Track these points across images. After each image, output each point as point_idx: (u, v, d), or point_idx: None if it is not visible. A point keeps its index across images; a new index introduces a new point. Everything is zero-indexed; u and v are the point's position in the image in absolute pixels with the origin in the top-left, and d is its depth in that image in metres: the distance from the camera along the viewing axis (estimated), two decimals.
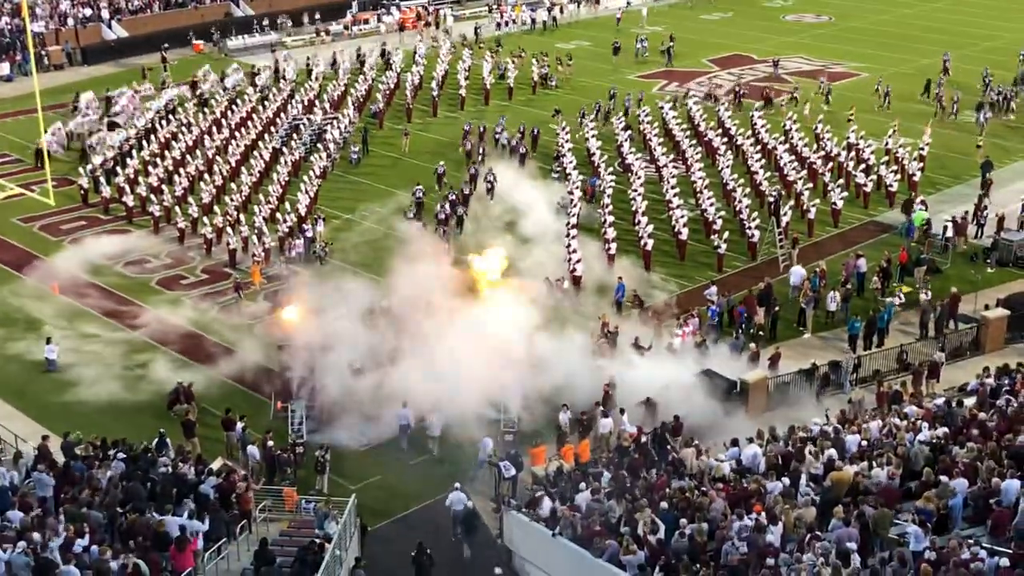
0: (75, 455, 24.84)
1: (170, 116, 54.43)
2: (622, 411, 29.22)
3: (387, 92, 57.83)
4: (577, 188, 44.25)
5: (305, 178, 45.68)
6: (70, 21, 69.02)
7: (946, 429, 24.30)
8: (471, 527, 25.75)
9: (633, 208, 42.78)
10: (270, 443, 28.20)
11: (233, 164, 47.83)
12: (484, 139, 51.42)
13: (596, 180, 44.77)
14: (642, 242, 39.89)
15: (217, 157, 48.46)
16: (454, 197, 43.75)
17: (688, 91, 58.90)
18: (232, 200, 43.65)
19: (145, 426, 28.81)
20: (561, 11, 79.41)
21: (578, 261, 38.07)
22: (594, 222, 41.72)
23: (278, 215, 42.47)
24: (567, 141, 49.05)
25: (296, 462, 28.24)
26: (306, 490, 26.88)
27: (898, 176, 45.54)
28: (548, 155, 49.78)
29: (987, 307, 35.18)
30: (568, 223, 40.95)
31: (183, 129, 52.20)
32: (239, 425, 28.91)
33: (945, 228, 40.86)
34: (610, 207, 42.15)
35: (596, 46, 69.53)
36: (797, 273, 37.99)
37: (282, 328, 33.41)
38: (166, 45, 66.35)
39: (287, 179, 46.23)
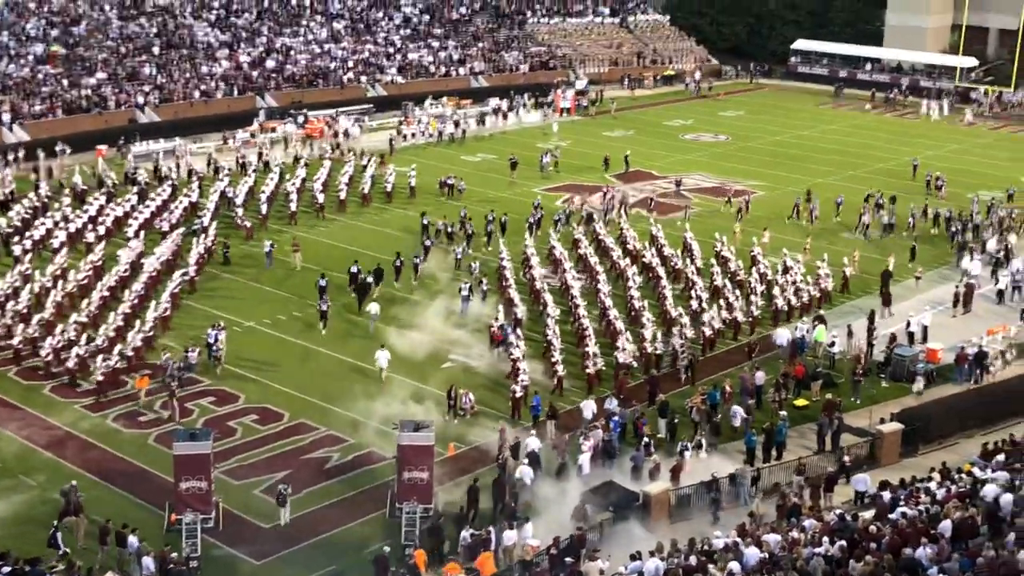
0: None
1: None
2: (526, 519, 29.09)
3: (268, 197, 58.27)
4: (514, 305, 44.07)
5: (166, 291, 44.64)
6: None
7: (843, 543, 24.53)
8: None
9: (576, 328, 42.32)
10: (173, 554, 27.41)
11: (90, 275, 46.33)
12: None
13: (508, 329, 41.86)
14: (589, 364, 39.14)
15: (71, 270, 46.93)
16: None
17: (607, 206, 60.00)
18: (82, 312, 42.07)
19: (32, 538, 27.79)
20: (479, 123, 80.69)
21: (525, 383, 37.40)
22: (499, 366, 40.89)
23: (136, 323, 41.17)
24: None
25: None
26: None
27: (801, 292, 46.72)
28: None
29: (882, 421, 35.89)
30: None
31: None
32: (132, 538, 28.06)
33: (833, 343, 41.82)
34: (555, 330, 41.19)
35: (501, 159, 70.58)
36: (783, 335, 41.40)
37: None
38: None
39: (144, 291, 44.63)
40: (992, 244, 53.24)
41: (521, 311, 43.30)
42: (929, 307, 45.46)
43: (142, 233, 51.75)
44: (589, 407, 35.98)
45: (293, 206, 57.30)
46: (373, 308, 44.08)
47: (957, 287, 47.78)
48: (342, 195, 59.74)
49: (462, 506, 30.83)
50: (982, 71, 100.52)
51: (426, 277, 49.37)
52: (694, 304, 44.12)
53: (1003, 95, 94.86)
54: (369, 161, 65.61)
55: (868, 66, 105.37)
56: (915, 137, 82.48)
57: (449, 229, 54.13)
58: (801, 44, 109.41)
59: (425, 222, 53.93)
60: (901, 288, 48.78)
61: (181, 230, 52.17)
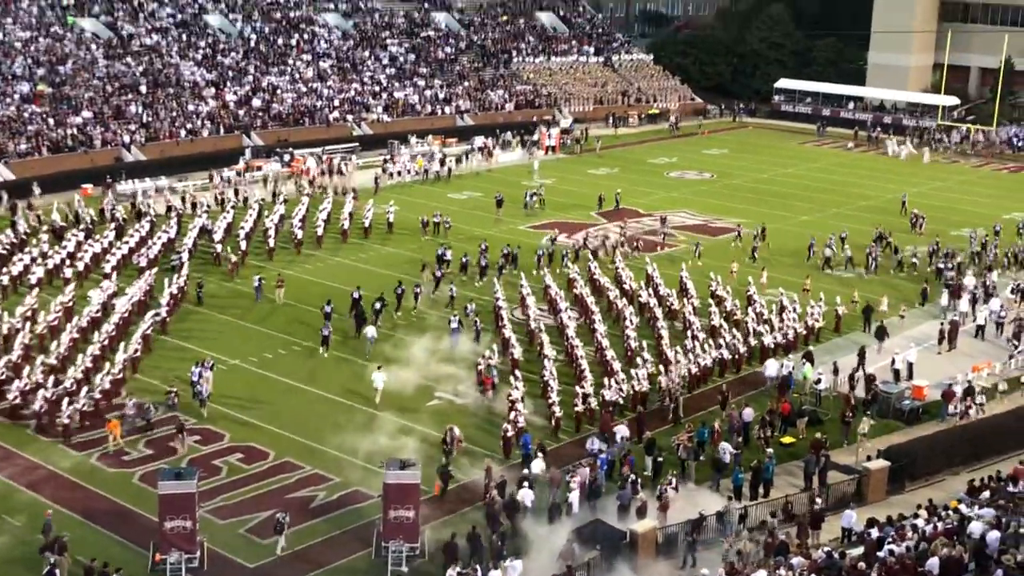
0: None
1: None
2: (516, 556, 28.98)
3: (247, 233, 58.63)
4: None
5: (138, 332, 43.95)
6: None
7: None
8: None
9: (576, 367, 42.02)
10: None
11: (60, 315, 45.54)
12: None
13: (495, 372, 41.27)
14: (578, 402, 38.91)
15: (41, 311, 46.16)
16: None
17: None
18: (51, 354, 41.33)
19: None
20: (457, 162, 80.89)
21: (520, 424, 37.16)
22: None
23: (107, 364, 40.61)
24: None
25: None
26: None
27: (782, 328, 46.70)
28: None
29: (869, 458, 35.89)
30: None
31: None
32: None
33: (819, 380, 41.85)
34: (552, 371, 40.70)
35: (487, 197, 70.74)
36: (772, 367, 42.27)
37: None
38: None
39: (114, 332, 43.83)
40: (970, 280, 53.36)
41: (518, 352, 43.05)
42: (914, 344, 45.60)
43: (114, 274, 51.44)
44: (622, 431, 36.74)
45: (271, 242, 57.61)
46: (370, 331, 45.17)
47: (942, 324, 47.95)
48: (320, 231, 60.22)
49: (474, 525, 30.76)
50: (964, 110, 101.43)
51: (424, 309, 49.76)
52: (689, 344, 43.96)
53: (969, 135, 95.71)
54: (348, 198, 66.09)
55: (851, 105, 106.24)
56: (897, 175, 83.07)
57: (464, 259, 54.91)
58: (784, 83, 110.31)
59: (440, 252, 55.17)
60: (886, 325, 48.82)
61: (155, 270, 51.70)
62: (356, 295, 47.94)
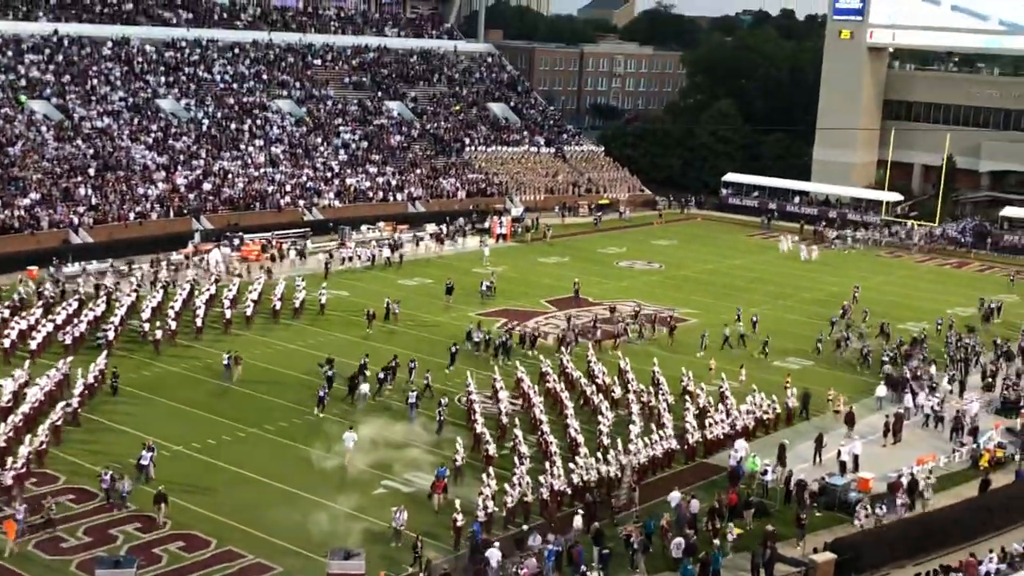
0: None
1: None
2: None
3: (177, 312, 58.23)
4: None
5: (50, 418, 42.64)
6: None
7: None
8: None
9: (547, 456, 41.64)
10: None
11: None
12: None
13: (444, 471, 40.01)
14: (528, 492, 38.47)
15: None
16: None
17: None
18: None
19: None
20: (401, 247, 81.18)
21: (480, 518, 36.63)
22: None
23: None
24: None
25: None
26: None
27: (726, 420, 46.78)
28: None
29: (815, 551, 35.85)
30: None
31: None
32: None
33: (765, 471, 41.87)
34: (522, 471, 39.77)
35: (437, 283, 70.83)
36: (741, 445, 42.98)
37: None
38: None
39: (22, 423, 42.20)
40: (907, 373, 53.82)
41: (492, 448, 42.30)
42: (859, 437, 45.89)
43: (29, 360, 50.25)
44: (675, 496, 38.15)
45: (200, 321, 57.55)
46: (364, 388, 48.37)
47: (887, 417, 48.33)
48: (249, 311, 60.47)
49: None
50: (907, 205, 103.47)
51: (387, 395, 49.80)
52: (655, 436, 43.66)
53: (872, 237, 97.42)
54: (281, 280, 66.25)
55: (797, 199, 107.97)
56: (842, 267, 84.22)
57: (486, 337, 57.05)
58: (732, 176, 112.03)
59: (469, 329, 57.73)
60: (831, 418, 49.22)
61: (71, 358, 50.04)
62: (363, 362, 50.45)
